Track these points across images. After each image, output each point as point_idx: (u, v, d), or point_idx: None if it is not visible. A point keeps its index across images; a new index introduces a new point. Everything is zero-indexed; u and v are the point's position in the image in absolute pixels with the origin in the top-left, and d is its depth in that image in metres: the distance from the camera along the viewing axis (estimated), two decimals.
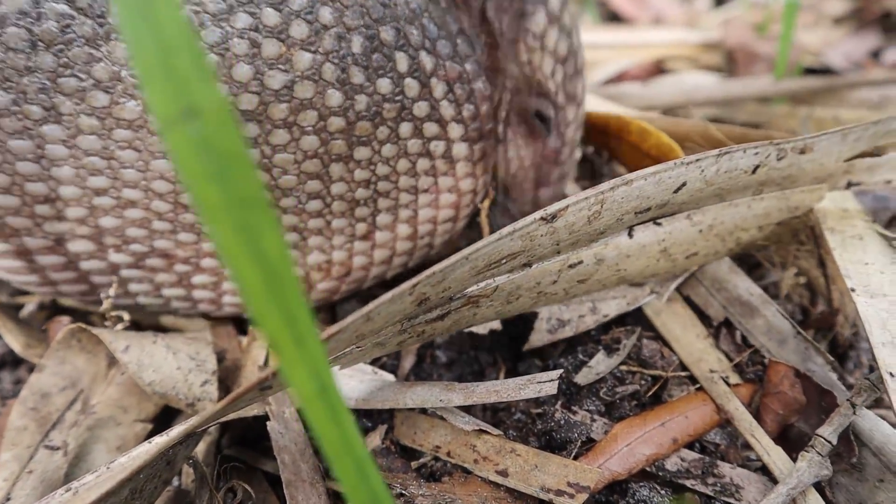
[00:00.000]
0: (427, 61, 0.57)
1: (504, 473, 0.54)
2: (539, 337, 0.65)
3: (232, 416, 0.56)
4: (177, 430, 0.48)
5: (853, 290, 0.56)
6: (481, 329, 0.68)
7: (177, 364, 0.61)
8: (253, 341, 0.68)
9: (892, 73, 1.19)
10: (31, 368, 0.73)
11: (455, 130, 0.60)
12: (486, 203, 0.69)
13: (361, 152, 0.56)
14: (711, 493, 0.53)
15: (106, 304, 0.63)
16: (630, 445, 0.55)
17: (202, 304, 0.65)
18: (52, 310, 0.76)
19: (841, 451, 0.53)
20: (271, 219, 0.26)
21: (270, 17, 0.50)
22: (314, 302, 0.67)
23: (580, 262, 0.60)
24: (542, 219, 0.51)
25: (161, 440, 0.48)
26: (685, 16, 1.79)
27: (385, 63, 0.55)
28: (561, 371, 0.55)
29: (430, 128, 0.59)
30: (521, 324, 0.68)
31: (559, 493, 0.51)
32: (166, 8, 0.24)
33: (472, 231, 0.72)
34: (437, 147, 0.60)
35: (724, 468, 0.55)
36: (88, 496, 0.43)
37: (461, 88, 0.59)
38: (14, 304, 0.76)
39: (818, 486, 0.53)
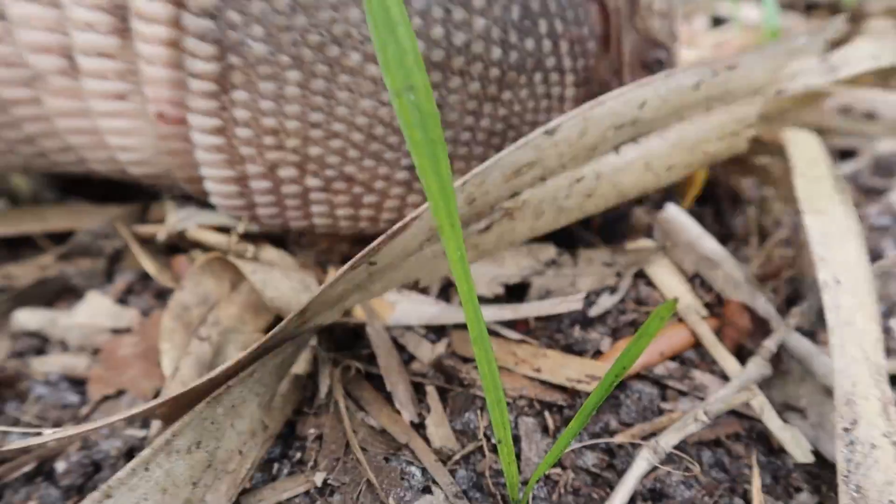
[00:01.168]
0: (559, 25, 0.72)
1: (538, 370, 0.74)
2: None
3: (335, 319, 0.76)
4: (310, 311, 0.67)
5: (803, 209, 0.74)
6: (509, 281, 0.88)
7: (290, 285, 0.81)
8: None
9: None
10: (157, 294, 0.92)
11: (570, 78, 0.76)
12: None
13: (506, 95, 0.72)
14: (686, 389, 0.74)
15: (233, 238, 0.82)
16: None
17: (363, 221, 0.79)
18: (169, 248, 0.95)
19: (774, 362, 0.74)
20: (445, 152, 0.46)
21: None
22: None
23: (583, 178, 0.74)
24: (546, 132, 0.66)
25: (294, 316, 0.67)
26: (685, 35, 2.00)
27: (532, 27, 0.70)
28: (586, 291, 0.75)
29: (554, 76, 0.74)
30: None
31: (579, 381, 0.72)
32: (402, 20, 0.44)
33: None
34: (556, 91, 0.76)
35: (696, 374, 0.75)
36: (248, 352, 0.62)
37: (579, 46, 0.75)
38: (143, 237, 0.95)
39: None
